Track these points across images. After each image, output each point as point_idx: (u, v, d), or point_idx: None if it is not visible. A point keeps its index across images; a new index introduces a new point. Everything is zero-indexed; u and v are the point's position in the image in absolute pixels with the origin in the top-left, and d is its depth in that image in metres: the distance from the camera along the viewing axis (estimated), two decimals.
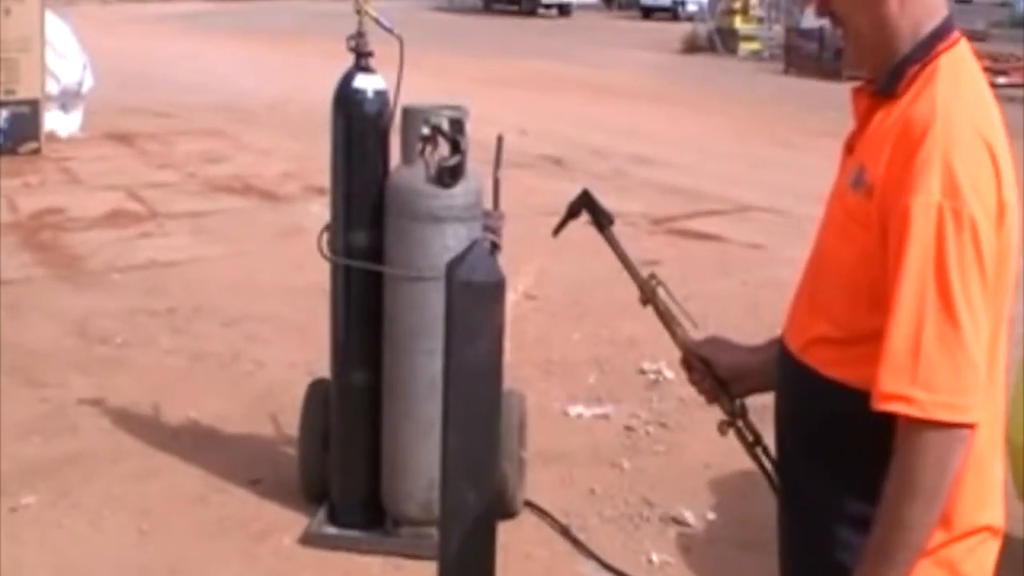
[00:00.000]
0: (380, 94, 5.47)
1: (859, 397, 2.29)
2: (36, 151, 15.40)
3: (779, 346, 2.62)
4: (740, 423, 2.80)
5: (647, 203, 13.60)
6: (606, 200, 3.18)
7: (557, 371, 8.14)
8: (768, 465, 2.75)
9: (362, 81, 5.44)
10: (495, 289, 2.78)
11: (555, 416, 7.29)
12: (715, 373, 2.83)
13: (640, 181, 14.92)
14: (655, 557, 5.62)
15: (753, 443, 2.80)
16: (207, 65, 25.82)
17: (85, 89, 16.90)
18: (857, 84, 2.58)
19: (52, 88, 16.08)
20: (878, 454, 2.28)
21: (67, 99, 16.69)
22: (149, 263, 10.60)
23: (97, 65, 17.44)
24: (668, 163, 16.13)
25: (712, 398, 2.87)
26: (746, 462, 2.87)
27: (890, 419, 2.24)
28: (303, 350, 7.86)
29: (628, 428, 7.09)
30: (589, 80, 26.28)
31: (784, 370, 2.59)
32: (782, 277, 10.33)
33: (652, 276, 2.99)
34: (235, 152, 16.29)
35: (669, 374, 7.97)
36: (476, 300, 2.76)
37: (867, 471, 2.33)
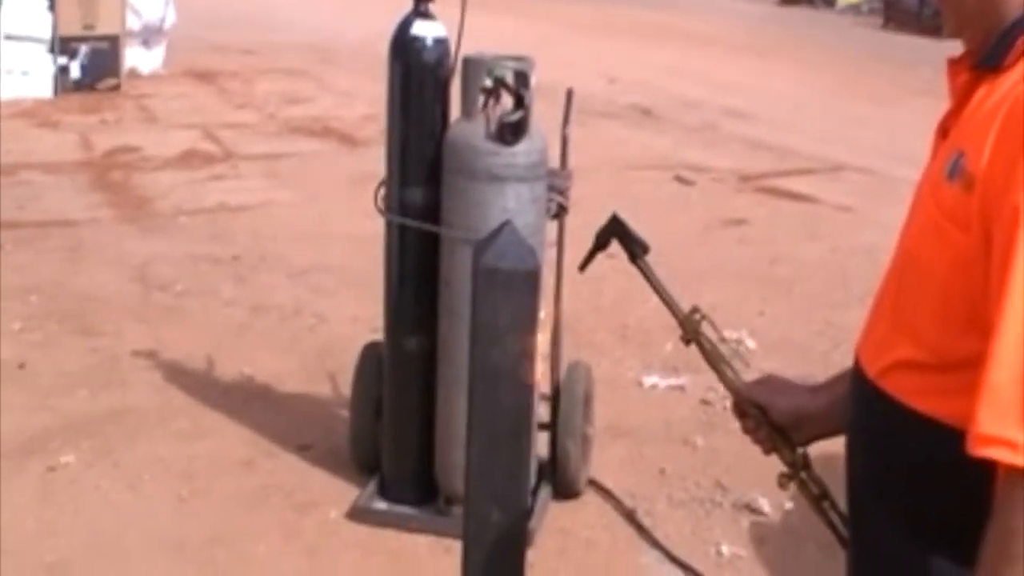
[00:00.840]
0: (440, 42, 5.09)
1: (951, 436, 1.86)
2: (116, 88, 15.20)
3: (853, 368, 2.19)
4: (803, 475, 2.42)
5: (736, 159, 13.19)
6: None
7: (633, 337, 7.77)
8: (837, 521, 2.38)
9: (420, 28, 5.06)
10: (527, 279, 2.40)
11: (627, 386, 6.92)
12: (772, 420, 2.43)
13: (730, 135, 14.47)
14: (725, 549, 5.24)
15: (819, 496, 2.42)
16: (294, 3, 25.49)
17: (167, 25, 16.66)
18: (954, 54, 2.14)
19: (133, 24, 15.81)
20: (973, 508, 1.85)
21: (149, 35, 16.45)
22: (218, 207, 10.32)
23: (182, 1, 17.17)
24: (760, 117, 15.65)
25: (769, 448, 2.48)
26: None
27: (990, 466, 1.79)
28: (367, 305, 7.49)
29: (704, 402, 6.70)
30: (683, 29, 25.75)
31: (857, 398, 2.16)
32: (874, 243, 9.94)
33: (695, 310, 2.60)
34: (317, 93, 16.04)
35: (751, 344, 7.59)
36: (504, 291, 2.39)
37: (958, 528, 1.91)
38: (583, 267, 2.89)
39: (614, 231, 2.79)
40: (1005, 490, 1.79)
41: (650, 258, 2.87)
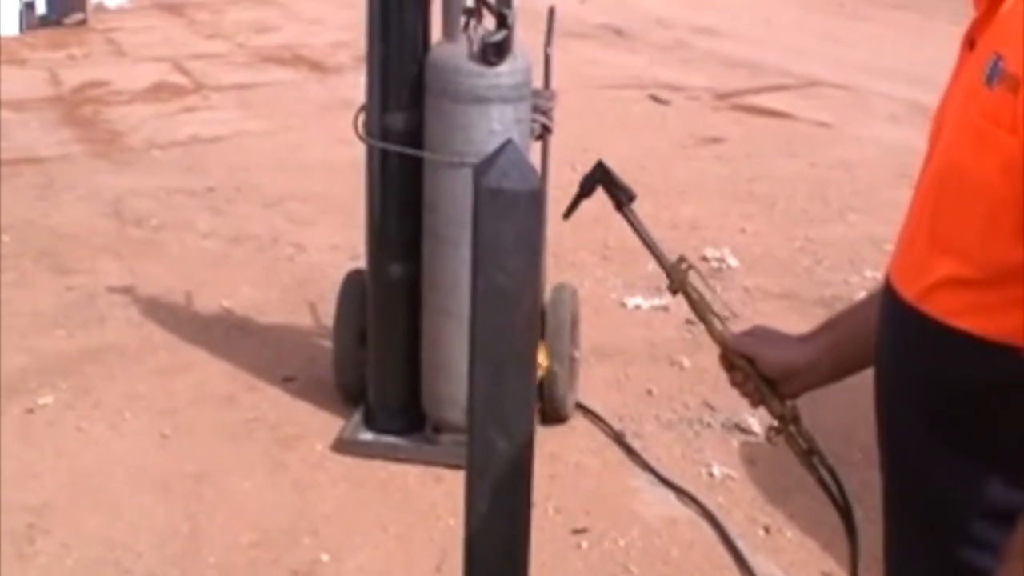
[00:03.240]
0: None
1: (1003, 354, 1.75)
2: (82, 22, 15.02)
3: (883, 292, 2.05)
4: (792, 428, 2.34)
5: (711, 76, 13.07)
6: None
7: (614, 257, 7.68)
8: (827, 477, 2.32)
9: None
10: (530, 198, 2.30)
11: (611, 308, 6.86)
12: (760, 372, 2.35)
13: (704, 53, 14.33)
14: (716, 470, 5.19)
15: (807, 451, 2.34)
16: None
17: None
18: None
19: None
20: None
21: None
22: (191, 139, 10.19)
23: None
24: (733, 34, 15.49)
25: (758, 401, 2.39)
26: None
27: None
28: (346, 232, 7.40)
29: (689, 322, 6.61)
30: None
31: (892, 323, 2.02)
32: (851, 158, 9.91)
33: (682, 259, 2.51)
34: (285, 21, 15.84)
35: (733, 261, 7.54)
36: (507, 212, 2.29)
37: (1014, 450, 1.81)
38: (567, 215, 2.79)
39: (599, 178, 2.69)
40: None
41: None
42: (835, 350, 2.28)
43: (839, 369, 2.29)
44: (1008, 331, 1.74)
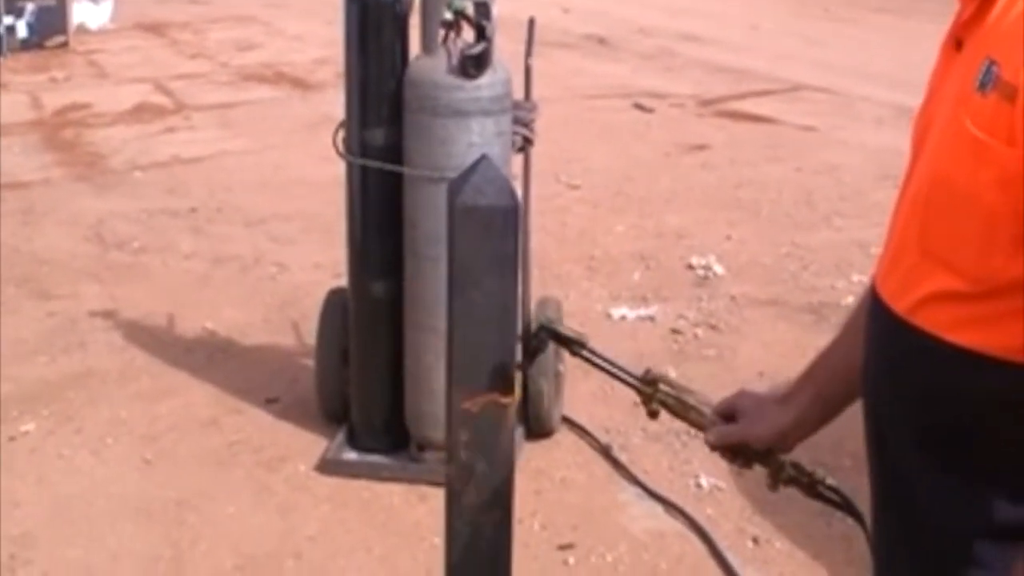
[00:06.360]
0: None
1: (998, 369, 1.70)
2: (64, 45, 14.99)
3: (870, 301, 1.99)
4: (792, 472, 2.31)
5: (695, 84, 13.08)
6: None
7: (600, 268, 7.66)
8: (837, 496, 2.29)
9: None
10: (506, 215, 2.25)
11: (597, 319, 6.81)
12: (755, 450, 2.32)
13: (688, 60, 14.34)
14: (704, 481, 5.15)
15: (811, 484, 2.31)
16: None
17: None
18: None
19: None
20: None
21: None
22: (172, 160, 10.15)
23: None
24: (716, 41, 15.51)
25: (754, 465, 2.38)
26: None
27: None
28: (328, 251, 7.36)
29: (675, 331, 6.60)
30: None
31: (881, 337, 1.96)
32: (837, 162, 9.88)
33: (647, 372, 2.47)
34: (268, 39, 15.88)
35: (719, 270, 7.50)
36: (483, 230, 2.24)
37: (1011, 466, 1.75)
38: (525, 367, 2.72)
39: (546, 338, 2.63)
40: None
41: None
42: (819, 402, 2.25)
43: (828, 415, 2.26)
44: (1005, 345, 1.68)
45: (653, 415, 2.47)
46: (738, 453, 2.35)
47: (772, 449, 2.30)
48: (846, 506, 2.27)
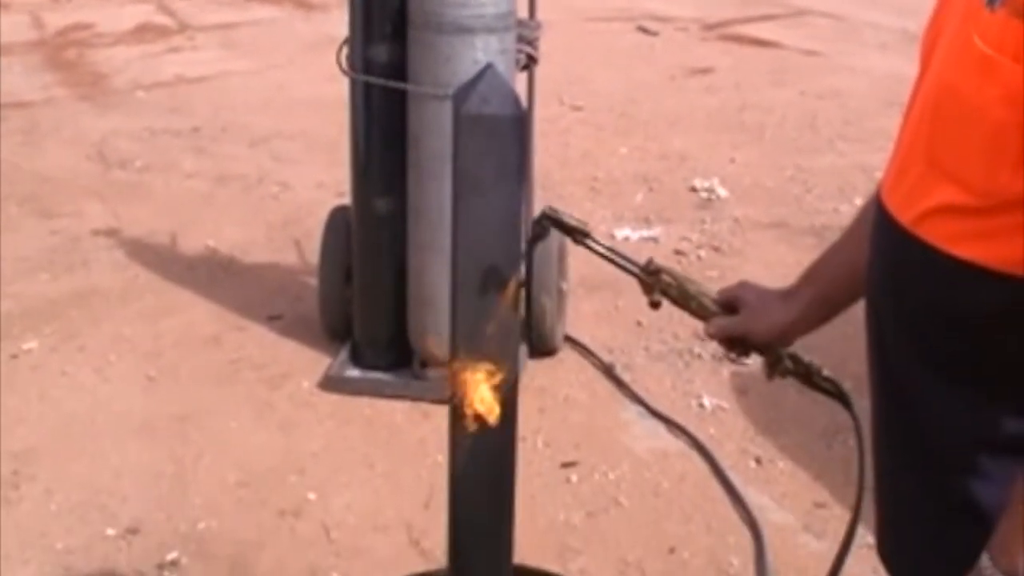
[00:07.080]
0: None
1: (1000, 283, 1.70)
2: None
3: (876, 211, 1.97)
4: (788, 364, 2.30)
5: (699, 7, 12.99)
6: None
7: (603, 189, 7.63)
8: (828, 386, 2.26)
9: None
10: (512, 124, 2.22)
11: (600, 239, 6.76)
12: (756, 345, 2.32)
13: None
14: (707, 401, 5.15)
15: (807, 374, 2.29)
16: None
17: None
18: None
19: None
20: None
21: None
22: (175, 80, 10.11)
23: None
24: None
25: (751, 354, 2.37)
26: None
27: None
28: (331, 170, 7.34)
29: (678, 252, 6.58)
30: None
31: (885, 249, 1.95)
32: (841, 87, 9.83)
33: (650, 262, 2.44)
34: None
35: (723, 191, 7.48)
36: (488, 139, 2.22)
37: (1013, 380, 1.75)
38: (528, 251, 2.67)
39: (549, 225, 2.59)
40: None
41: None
42: (820, 300, 2.23)
43: (829, 314, 2.25)
44: (1006, 258, 1.68)
45: (655, 305, 2.44)
46: (736, 343, 2.34)
47: (773, 345, 2.30)
48: (839, 396, 2.27)
